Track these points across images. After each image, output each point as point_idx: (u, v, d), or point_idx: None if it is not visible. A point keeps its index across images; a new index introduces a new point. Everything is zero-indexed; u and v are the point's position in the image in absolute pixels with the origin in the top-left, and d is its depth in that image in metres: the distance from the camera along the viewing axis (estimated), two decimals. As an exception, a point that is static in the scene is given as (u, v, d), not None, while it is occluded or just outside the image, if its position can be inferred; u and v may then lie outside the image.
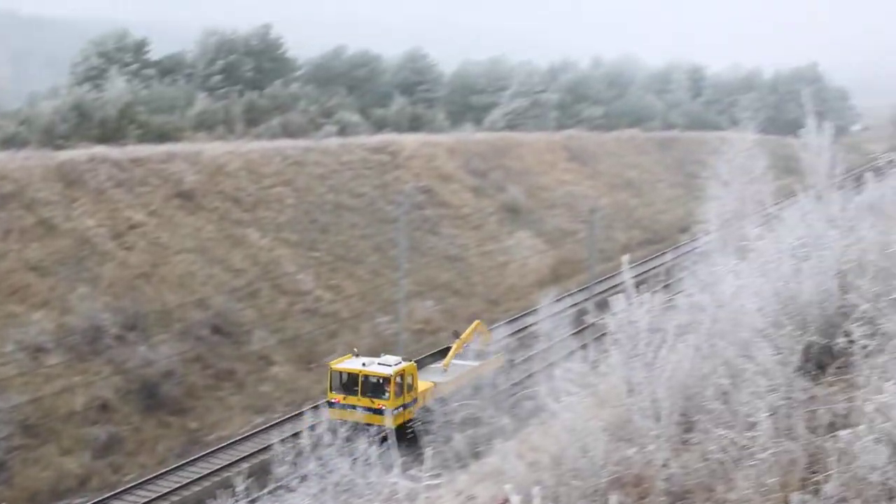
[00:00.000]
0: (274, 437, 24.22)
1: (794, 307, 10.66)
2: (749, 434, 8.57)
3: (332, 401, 41.49)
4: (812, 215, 12.11)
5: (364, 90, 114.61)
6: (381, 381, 40.91)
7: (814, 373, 9.80)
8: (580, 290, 65.59)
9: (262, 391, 49.69)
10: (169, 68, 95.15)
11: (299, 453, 16.45)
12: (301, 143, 76.59)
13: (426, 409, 39.29)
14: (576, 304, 54.58)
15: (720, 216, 36.28)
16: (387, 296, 61.46)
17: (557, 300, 46.60)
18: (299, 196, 68.06)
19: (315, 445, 15.62)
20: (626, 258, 11.47)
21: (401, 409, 40.44)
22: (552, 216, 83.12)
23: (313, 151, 74.31)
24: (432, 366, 46.77)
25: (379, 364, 41.91)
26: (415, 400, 41.64)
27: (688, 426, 10.14)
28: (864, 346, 8.49)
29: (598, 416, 11.28)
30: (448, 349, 47.99)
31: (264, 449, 41.28)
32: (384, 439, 19.67)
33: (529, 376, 44.91)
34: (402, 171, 78.94)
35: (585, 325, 50.86)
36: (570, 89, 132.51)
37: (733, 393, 9.65)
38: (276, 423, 45.02)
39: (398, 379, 41.17)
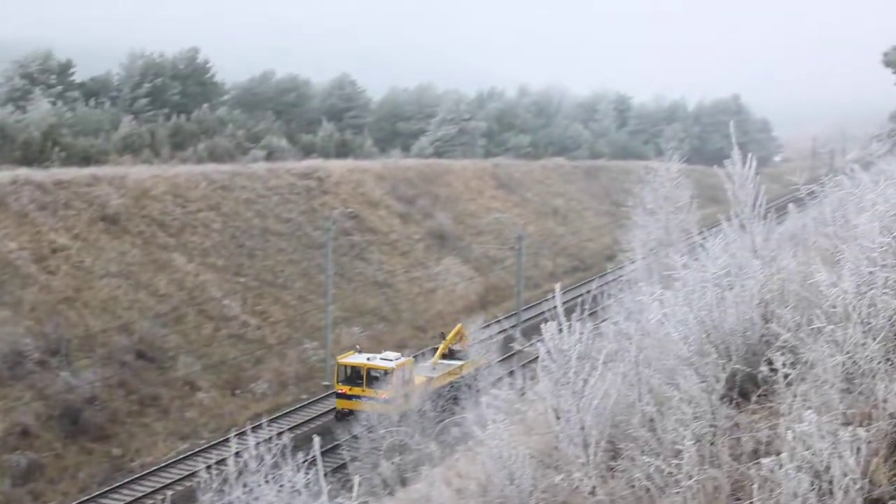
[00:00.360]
0: (199, 464, 24.01)
1: (718, 336, 10.82)
2: (675, 461, 8.68)
3: (339, 392, 47.85)
4: (735, 245, 12.31)
5: (292, 115, 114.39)
6: (384, 373, 45.80)
7: (738, 401, 9.95)
8: (507, 317, 65.81)
9: (187, 417, 49.18)
10: (94, 90, 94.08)
11: (225, 480, 16.31)
12: (228, 167, 76.15)
13: (420, 400, 41.08)
14: (503, 331, 54.82)
15: (646, 244, 36.74)
16: (314, 322, 61.26)
17: (485, 327, 46.80)
18: (226, 221, 67.63)
19: (241, 472, 15.48)
20: (557, 286, 11.56)
21: (402, 398, 42.59)
22: (480, 243, 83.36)
23: (240, 176, 73.93)
24: (422, 364, 50.72)
25: (381, 359, 47.41)
26: (411, 392, 43.50)
27: (615, 453, 10.25)
28: (786, 375, 8.65)
29: (526, 444, 11.35)
30: (436, 349, 53.32)
31: (189, 476, 40.95)
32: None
33: (457, 402, 44.98)
34: (329, 196, 78.81)
35: (513, 352, 51.02)
36: (498, 117, 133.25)
37: (659, 420, 9.77)
38: (202, 450, 44.70)
39: (399, 372, 46.07)
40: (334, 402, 49.52)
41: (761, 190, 12.68)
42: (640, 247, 36.68)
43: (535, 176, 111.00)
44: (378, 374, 46.33)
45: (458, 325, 55.41)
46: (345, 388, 47.39)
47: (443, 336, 54.78)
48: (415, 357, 51.77)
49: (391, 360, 46.97)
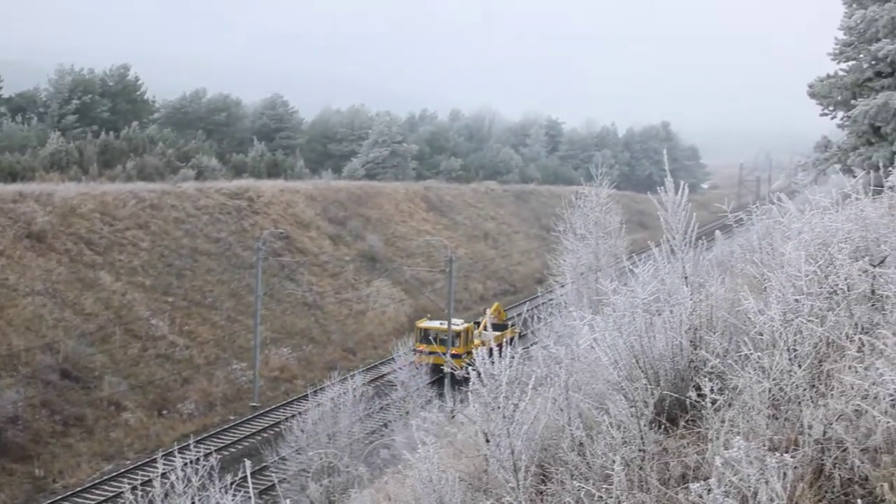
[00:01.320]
0: (124, 486, 23.70)
1: (647, 361, 10.90)
2: (604, 486, 8.73)
3: (417, 349, 57.21)
4: (665, 271, 12.43)
5: (223, 135, 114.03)
6: (454, 335, 57.47)
7: (666, 426, 10.04)
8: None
9: (112, 438, 48.50)
10: (21, 106, 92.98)
11: (150, 502, 16.12)
12: (157, 186, 75.42)
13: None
14: (432, 354, 55.22)
15: (575, 269, 36.93)
16: (242, 342, 60.87)
17: (414, 349, 46.79)
18: (154, 240, 66.98)
19: (167, 494, 15.32)
20: (488, 311, 11.60)
21: (465, 354, 52.80)
22: (410, 265, 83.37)
23: (170, 195, 73.31)
24: (475, 331, 62.17)
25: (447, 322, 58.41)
26: (472, 350, 47.36)
27: (544, 477, 10.28)
28: (714, 401, 8.74)
29: (455, 467, 11.35)
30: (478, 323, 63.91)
31: (113, 497, 40.42)
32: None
33: (385, 425, 44.86)
34: (259, 216, 78.44)
35: (443, 375, 51.10)
36: (429, 141, 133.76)
37: (589, 445, 9.82)
38: (127, 471, 44.12)
39: (463, 335, 59.13)
40: (413, 358, 54.89)
41: (690, 216, 12.82)
42: (570, 271, 36.87)
43: (466, 199, 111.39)
44: (445, 336, 57.21)
45: (496, 304, 68.98)
46: (421, 347, 58.24)
47: (485, 312, 65.31)
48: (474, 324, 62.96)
49: (458, 325, 58.90)
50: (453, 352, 54.38)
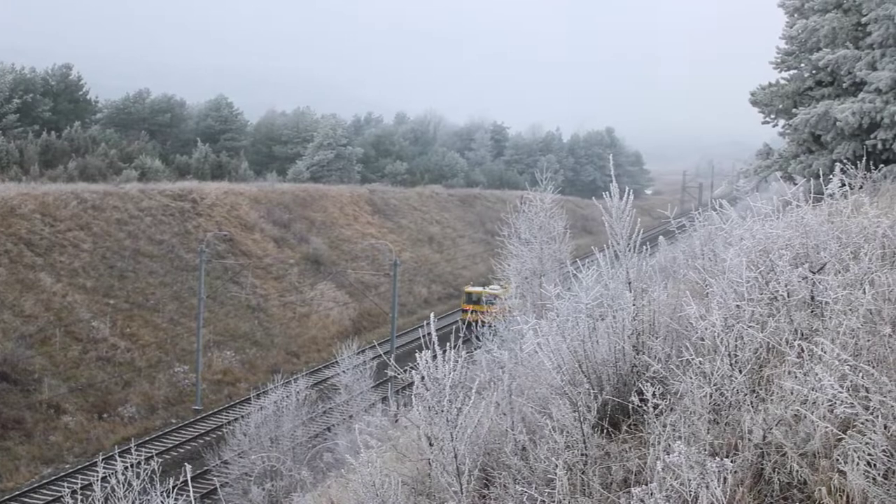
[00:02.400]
0: (63, 489, 23.46)
1: (590, 366, 10.96)
2: (547, 490, 8.77)
3: (464, 308, 71.05)
4: (609, 276, 12.50)
5: (166, 136, 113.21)
6: (493, 298, 60.18)
7: (609, 430, 10.10)
8: (381, 343, 65.76)
9: (51, 441, 47.94)
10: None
11: (90, 507, 15.95)
12: (100, 187, 74.68)
13: None
14: (377, 357, 55.01)
15: (520, 273, 37.06)
16: (185, 345, 60.44)
17: (359, 352, 46.73)
18: (96, 241, 66.32)
19: (107, 498, 15.17)
20: (431, 314, 11.59)
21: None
22: (355, 269, 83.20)
23: (112, 196, 72.62)
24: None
25: (490, 288, 62.96)
26: None
27: (487, 482, 10.31)
28: (656, 406, 8.81)
29: (399, 471, 11.35)
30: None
31: (53, 501, 40.01)
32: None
33: (329, 429, 44.75)
34: (203, 219, 77.91)
35: (386, 379, 51.01)
36: (375, 144, 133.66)
37: (532, 449, 9.86)
38: (66, 475, 43.64)
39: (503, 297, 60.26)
40: (459, 315, 67.09)
41: (634, 222, 12.90)
42: (515, 275, 37.02)
43: (411, 203, 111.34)
44: (489, 298, 59.58)
45: None
46: (468, 307, 69.14)
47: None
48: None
49: (497, 289, 61.20)
50: (490, 310, 57.67)
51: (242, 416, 43.19)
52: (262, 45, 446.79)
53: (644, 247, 13.37)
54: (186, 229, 74.76)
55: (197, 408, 55.08)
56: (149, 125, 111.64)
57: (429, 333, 10.73)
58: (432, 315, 11.52)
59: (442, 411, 10.07)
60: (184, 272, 67.90)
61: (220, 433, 47.77)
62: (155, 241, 70.80)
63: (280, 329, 70.60)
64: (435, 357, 10.30)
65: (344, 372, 46.14)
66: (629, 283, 12.07)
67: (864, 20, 28.28)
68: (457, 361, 10.24)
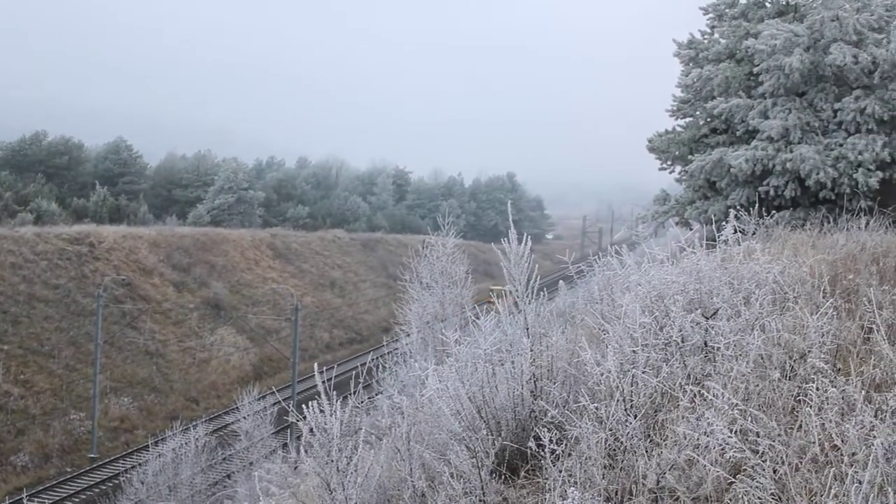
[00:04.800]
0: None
1: (489, 411, 10.99)
2: (445, 536, 8.77)
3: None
4: (508, 321, 12.58)
5: (64, 179, 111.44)
6: None
7: (507, 476, 10.13)
8: (282, 389, 65.20)
9: (-61, 492, 46.74)
10: None
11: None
12: (-7, 230, 73.31)
13: None
14: (277, 403, 54.50)
15: (421, 318, 37.09)
16: (81, 391, 59.32)
17: (259, 398, 46.32)
18: (-11, 286, 64.97)
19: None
20: (315, 365, 11.48)
21: None
22: (256, 313, 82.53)
23: (6, 240, 71.17)
24: None
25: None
26: None
27: (386, 529, 10.27)
28: (553, 451, 8.87)
29: (298, 519, 11.26)
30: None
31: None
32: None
33: (229, 476, 44.22)
34: (101, 263, 76.70)
35: (286, 425, 50.58)
36: (276, 188, 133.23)
37: (430, 495, 9.85)
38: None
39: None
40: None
41: (535, 268, 13.01)
42: (416, 320, 37.01)
43: (312, 247, 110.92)
44: None
45: None
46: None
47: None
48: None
49: None
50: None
51: (140, 464, 42.51)
52: (163, 88, 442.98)
53: (542, 292, 13.47)
54: (83, 273, 73.51)
55: (93, 456, 54.04)
56: (45, 167, 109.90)
57: (323, 381, 10.66)
58: (316, 366, 11.36)
59: (332, 461, 10.01)
60: (80, 317, 66.72)
61: (116, 482, 46.94)
62: (50, 285, 69.48)
63: (179, 375, 69.66)
64: (322, 409, 10.23)
65: (244, 418, 45.71)
66: (527, 329, 12.15)
67: (755, 70, 28.96)
68: (344, 411, 10.17)
